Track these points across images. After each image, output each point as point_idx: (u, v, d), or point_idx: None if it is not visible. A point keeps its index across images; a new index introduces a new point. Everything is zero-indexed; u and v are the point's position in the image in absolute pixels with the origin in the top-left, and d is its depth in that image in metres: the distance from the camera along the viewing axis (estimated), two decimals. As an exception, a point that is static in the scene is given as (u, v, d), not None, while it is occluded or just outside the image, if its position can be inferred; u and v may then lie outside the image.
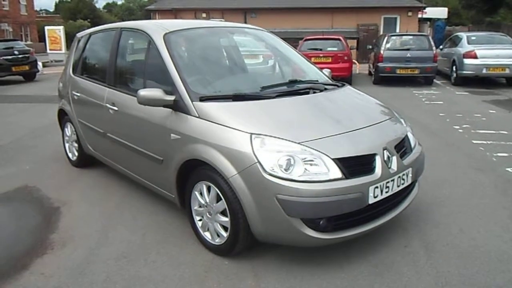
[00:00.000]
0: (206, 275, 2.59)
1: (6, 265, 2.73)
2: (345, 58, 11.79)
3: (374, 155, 2.60)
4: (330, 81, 3.54)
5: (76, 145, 4.57)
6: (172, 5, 20.60)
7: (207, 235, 2.86)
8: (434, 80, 11.79)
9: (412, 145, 3.04)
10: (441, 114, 7.42)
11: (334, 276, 2.55)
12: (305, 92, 3.12)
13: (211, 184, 2.68)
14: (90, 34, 4.34)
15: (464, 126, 6.46)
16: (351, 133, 2.68)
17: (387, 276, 2.55)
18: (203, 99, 2.81)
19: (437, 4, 26.58)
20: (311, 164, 2.42)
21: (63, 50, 19.36)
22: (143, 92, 2.84)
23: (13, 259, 2.80)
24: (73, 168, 4.67)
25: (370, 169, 2.57)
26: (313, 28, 19.12)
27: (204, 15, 20.88)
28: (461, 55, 10.86)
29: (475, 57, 10.47)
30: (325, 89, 3.26)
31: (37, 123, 7.09)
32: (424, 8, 21.04)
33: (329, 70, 3.92)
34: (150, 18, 23.09)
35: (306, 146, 2.46)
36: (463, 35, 11.77)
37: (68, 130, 4.67)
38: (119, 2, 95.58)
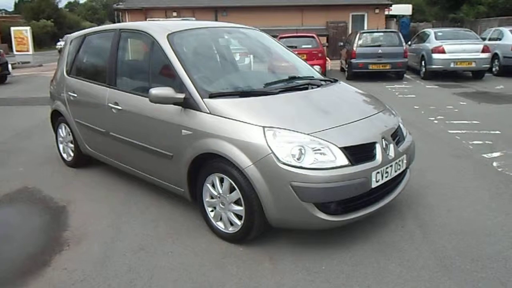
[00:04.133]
0: (224, 261, 2.76)
1: (26, 263, 2.79)
2: (319, 55, 12.14)
3: (374, 143, 2.85)
4: (323, 77, 3.76)
5: (71, 145, 4.61)
6: (141, 4, 20.40)
7: (219, 225, 3.03)
8: (405, 75, 12.32)
9: (404, 134, 3.31)
10: (415, 107, 7.84)
11: (342, 255, 2.78)
12: (304, 87, 3.33)
13: (224, 176, 2.85)
14: (85, 36, 4.39)
15: (439, 117, 6.87)
16: (352, 124, 2.92)
17: (389, 253, 2.80)
18: (212, 96, 2.97)
19: (401, 1, 27.45)
20: (320, 153, 2.63)
21: (31, 51, 18.80)
22: (154, 91, 2.97)
23: (32, 257, 2.87)
24: (68, 169, 4.71)
25: (372, 156, 2.81)
26: (284, 25, 19.42)
27: (174, 14, 20.78)
28: (430, 50, 11.40)
29: (443, 52, 11.04)
30: (321, 84, 3.48)
31: (20, 125, 7.00)
32: (391, 5, 21.77)
33: (318, 66, 4.16)
34: (117, 17, 22.74)
35: (315, 136, 2.67)
36: (431, 31, 12.34)
37: (63, 131, 4.69)
38: (81, 1, 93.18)
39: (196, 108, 2.97)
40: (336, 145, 2.66)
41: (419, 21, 31.43)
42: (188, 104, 3.01)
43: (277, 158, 2.59)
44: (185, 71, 3.10)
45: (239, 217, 2.87)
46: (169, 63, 3.20)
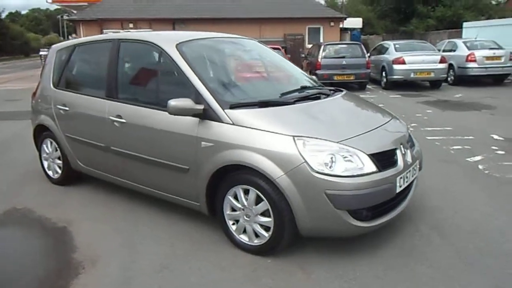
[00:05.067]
0: (255, 274, 2.70)
1: (42, 289, 2.58)
2: (286, 66, 12.35)
3: (395, 149, 2.93)
4: (329, 87, 3.82)
5: (59, 161, 4.34)
6: (97, 15, 19.78)
7: (243, 238, 2.96)
8: (367, 85, 12.81)
9: (413, 140, 3.44)
10: (387, 115, 8.15)
11: (371, 261, 2.81)
12: (315, 97, 3.36)
13: (250, 187, 2.80)
14: (75, 46, 4.17)
15: (413, 125, 7.19)
16: (372, 131, 2.99)
17: (415, 256, 2.87)
18: (233, 106, 2.92)
19: (351, 15, 28.64)
20: (349, 161, 2.66)
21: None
22: (174, 102, 2.88)
23: (46, 283, 2.66)
24: (55, 186, 4.42)
25: (394, 162, 2.89)
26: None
27: (131, 25, 20.34)
28: (391, 61, 11.96)
29: (404, 62, 11.61)
30: (330, 94, 3.53)
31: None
32: (345, 18, 22.63)
33: (314, 77, 4.23)
34: (62, 28, 21.88)
35: (344, 144, 2.70)
36: (390, 43, 12.97)
37: (49, 147, 4.41)
38: (23, 12, 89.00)
39: (217, 119, 2.91)
40: (364, 152, 2.71)
41: (369, 34, 32.96)
42: (207, 115, 2.94)
43: (311, 167, 2.59)
44: (201, 82, 3.04)
45: (266, 228, 2.83)
46: (181, 73, 3.12)
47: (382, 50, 13.30)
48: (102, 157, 3.79)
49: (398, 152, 2.94)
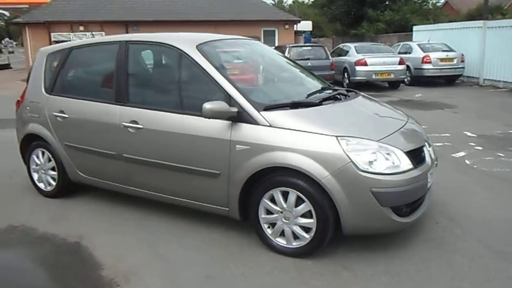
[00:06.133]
0: (303, 276, 2.68)
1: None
2: (251, 69, 12.38)
3: (423, 146, 3.05)
4: (341, 88, 3.87)
5: (53, 173, 4.05)
6: (45, 17, 18.65)
7: (279, 241, 2.93)
8: (330, 86, 13.14)
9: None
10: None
11: (407, 254, 2.91)
12: (337, 98, 3.39)
13: (290, 189, 2.78)
14: (71, 49, 3.91)
15: (389, 123, 7.47)
16: (400, 130, 3.08)
17: (445, 247, 3.00)
18: (267, 108, 2.89)
19: (300, 18, 29.38)
20: (389, 159, 2.73)
21: None
22: (209, 105, 2.80)
23: (84, 303, 2.47)
24: (48, 200, 4.11)
25: (423, 158, 2.99)
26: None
27: (81, 28, 19.44)
28: (353, 63, 12.37)
29: (366, 64, 12.06)
30: (349, 95, 3.56)
31: None
32: (299, 21, 23.12)
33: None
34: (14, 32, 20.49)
35: (382, 142, 2.76)
36: (350, 46, 13.41)
37: (40, 157, 4.09)
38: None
39: (252, 121, 2.86)
40: (401, 150, 2.78)
41: (319, 37, 33.95)
42: (240, 118, 2.88)
43: (356, 166, 2.62)
44: (231, 84, 2.97)
45: (305, 230, 2.82)
46: (207, 76, 3.04)
47: (342, 52, 13.73)
48: (110, 165, 3.58)
49: (425, 149, 3.06)
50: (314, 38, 33.22)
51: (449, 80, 13.22)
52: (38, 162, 4.14)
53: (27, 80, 4.26)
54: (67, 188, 4.09)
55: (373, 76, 12.11)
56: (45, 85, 4.01)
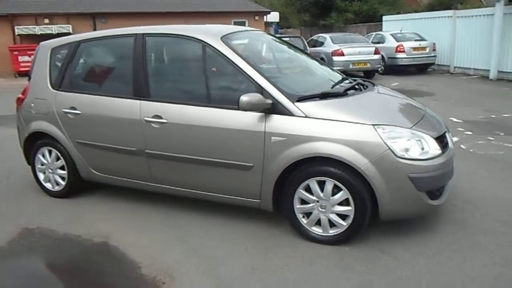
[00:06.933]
0: (346, 263, 2.75)
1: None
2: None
3: (445, 132, 3.17)
4: (359, 78, 3.92)
5: (62, 172, 3.90)
6: (7, 9, 17.65)
7: (315, 230, 2.98)
8: (308, 77, 13.28)
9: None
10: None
11: (437, 237, 3.03)
12: (358, 88, 3.44)
13: (327, 179, 2.83)
14: (79, 42, 3.75)
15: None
16: (425, 117, 3.19)
17: (470, 228, 3.16)
18: (300, 99, 2.91)
19: (270, 9, 29.42)
20: (421, 145, 2.82)
21: None
22: (246, 98, 2.79)
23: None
24: (58, 200, 3.95)
25: (447, 144, 3.12)
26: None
27: (46, 20, 18.57)
28: (330, 53, 12.54)
29: (342, 54, 12.25)
30: (368, 86, 3.61)
31: None
32: (269, 12, 23.12)
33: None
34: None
35: (414, 129, 2.86)
36: (326, 36, 13.58)
37: (47, 156, 3.93)
38: None
39: (286, 113, 2.87)
40: (431, 136, 2.89)
41: (286, 27, 34.12)
42: (274, 109, 2.89)
43: (394, 153, 2.70)
44: (263, 76, 2.97)
45: (342, 217, 2.88)
46: (236, 68, 3.03)
47: (317, 43, 13.88)
48: (129, 162, 3.49)
49: (447, 135, 3.19)
50: (281, 29, 33.37)
51: (421, 69, 13.67)
52: (45, 161, 3.97)
53: (29, 76, 4.06)
54: (77, 187, 3.96)
55: (350, 66, 12.32)
56: (51, 80, 3.83)
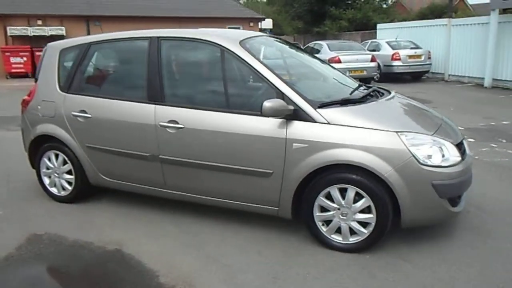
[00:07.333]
0: (368, 271, 2.71)
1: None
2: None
3: (463, 139, 3.17)
4: (373, 86, 3.91)
5: (69, 176, 3.81)
6: (-1, 10, 17.44)
7: (335, 238, 2.95)
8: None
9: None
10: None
11: (454, 243, 3.03)
12: (376, 95, 3.43)
13: (349, 186, 2.80)
14: (89, 44, 3.67)
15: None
16: (443, 125, 3.20)
17: (484, 233, 3.16)
18: (322, 105, 2.88)
19: (264, 16, 29.59)
20: (442, 152, 2.82)
21: None
22: (269, 104, 2.75)
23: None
24: (63, 205, 3.86)
25: (465, 151, 3.12)
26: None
27: (39, 22, 18.36)
28: (327, 60, 12.56)
29: (340, 61, 12.32)
30: (384, 93, 3.60)
31: None
32: (264, 19, 23.19)
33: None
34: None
35: (435, 136, 2.85)
36: (323, 44, 13.65)
37: (54, 160, 3.83)
38: None
39: (308, 119, 2.84)
40: (452, 143, 2.88)
41: (279, 34, 34.30)
42: (296, 115, 2.85)
43: (417, 160, 2.68)
44: (283, 82, 2.93)
45: (363, 225, 2.85)
46: (256, 73, 2.99)
47: (314, 50, 13.91)
48: (142, 167, 3.42)
49: (464, 142, 3.19)
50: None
51: (415, 77, 13.82)
52: (51, 165, 3.87)
53: (35, 78, 3.97)
54: (84, 192, 3.87)
55: (347, 73, 12.30)
56: (59, 82, 3.75)
